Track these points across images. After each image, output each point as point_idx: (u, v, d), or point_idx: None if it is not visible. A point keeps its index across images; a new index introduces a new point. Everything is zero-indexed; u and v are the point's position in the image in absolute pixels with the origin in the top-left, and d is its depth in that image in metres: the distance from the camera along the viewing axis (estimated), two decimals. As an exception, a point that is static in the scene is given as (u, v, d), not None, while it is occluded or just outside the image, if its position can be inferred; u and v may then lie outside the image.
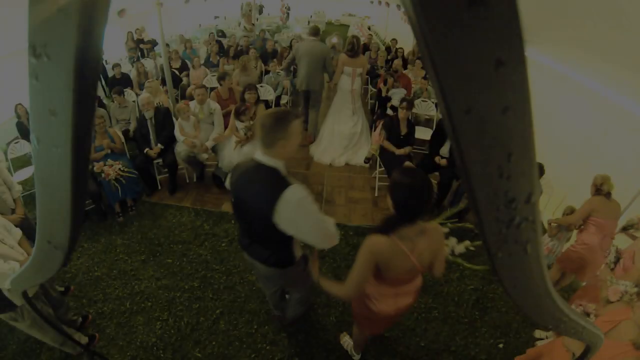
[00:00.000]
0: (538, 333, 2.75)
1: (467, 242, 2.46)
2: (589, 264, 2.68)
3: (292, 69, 6.44)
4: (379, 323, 1.96)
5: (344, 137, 4.79)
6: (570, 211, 2.90)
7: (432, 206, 3.89)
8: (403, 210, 1.43)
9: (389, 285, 1.66)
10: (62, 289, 2.93)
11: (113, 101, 4.83)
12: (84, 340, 2.50)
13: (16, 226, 2.70)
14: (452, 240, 2.36)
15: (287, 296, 2.57)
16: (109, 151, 3.75)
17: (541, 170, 3.11)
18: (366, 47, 7.49)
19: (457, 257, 2.45)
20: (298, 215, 1.54)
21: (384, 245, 1.45)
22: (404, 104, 3.81)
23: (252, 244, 1.85)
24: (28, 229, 2.78)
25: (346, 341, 2.57)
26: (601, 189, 2.63)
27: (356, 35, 4.51)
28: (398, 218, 1.46)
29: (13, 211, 2.81)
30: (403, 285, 1.68)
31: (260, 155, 1.58)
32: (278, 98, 5.69)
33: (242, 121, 3.83)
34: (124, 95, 4.66)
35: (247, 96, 3.90)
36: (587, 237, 2.65)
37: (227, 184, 1.82)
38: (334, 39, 7.57)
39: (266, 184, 1.56)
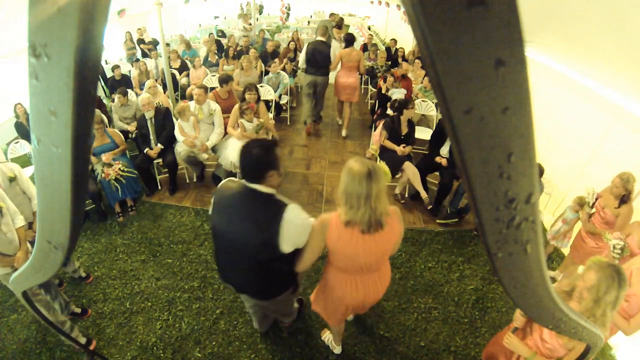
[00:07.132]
0: None
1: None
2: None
3: (293, 68, 6.53)
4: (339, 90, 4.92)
5: None
6: (581, 201, 2.81)
7: (433, 206, 3.90)
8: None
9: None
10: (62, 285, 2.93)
11: (113, 101, 4.81)
12: (82, 340, 2.49)
13: (32, 242, 2.64)
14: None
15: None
16: (116, 153, 3.70)
17: (540, 170, 3.10)
18: (366, 47, 7.50)
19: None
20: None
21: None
22: (410, 105, 3.82)
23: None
24: None
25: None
26: (629, 193, 2.43)
27: (342, 17, 6.66)
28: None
29: (30, 225, 2.49)
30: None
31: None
32: (278, 98, 5.69)
33: (247, 121, 3.86)
34: (127, 96, 4.61)
35: (247, 96, 3.92)
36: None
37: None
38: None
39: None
